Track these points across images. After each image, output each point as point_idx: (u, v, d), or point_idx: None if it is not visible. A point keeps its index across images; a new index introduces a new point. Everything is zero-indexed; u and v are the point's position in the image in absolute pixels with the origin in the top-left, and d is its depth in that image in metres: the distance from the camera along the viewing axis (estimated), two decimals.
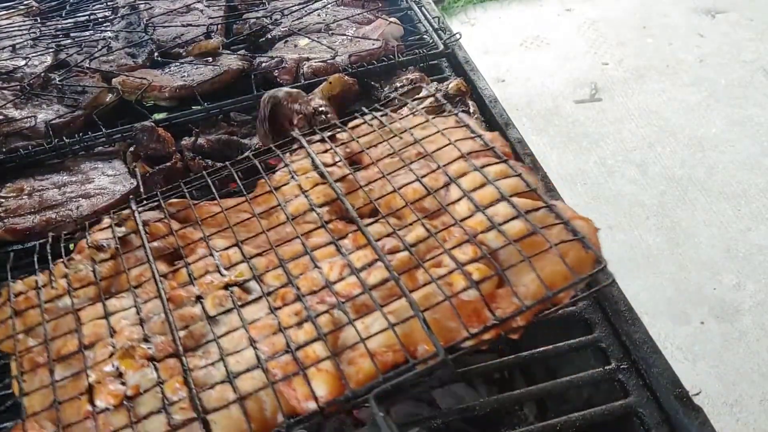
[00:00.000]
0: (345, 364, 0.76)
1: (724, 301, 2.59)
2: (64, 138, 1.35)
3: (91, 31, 1.75)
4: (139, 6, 1.83)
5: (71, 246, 1.03)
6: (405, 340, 0.75)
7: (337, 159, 1.04)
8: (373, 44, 1.53)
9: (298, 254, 0.90)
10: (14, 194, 1.24)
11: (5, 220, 1.17)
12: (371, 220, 0.93)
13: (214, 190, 1.05)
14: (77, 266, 0.97)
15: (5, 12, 1.88)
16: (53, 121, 1.39)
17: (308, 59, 1.51)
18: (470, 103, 1.32)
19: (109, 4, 1.87)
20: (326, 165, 1.03)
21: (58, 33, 1.76)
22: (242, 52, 1.63)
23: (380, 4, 1.80)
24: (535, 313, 0.76)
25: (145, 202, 1.06)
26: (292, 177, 1.02)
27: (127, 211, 1.04)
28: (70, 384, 0.83)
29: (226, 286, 0.88)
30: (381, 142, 1.05)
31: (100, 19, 1.81)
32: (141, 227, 0.99)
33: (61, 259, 0.99)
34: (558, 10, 4.51)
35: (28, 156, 1.33)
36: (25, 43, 1.70)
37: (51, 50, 1.65)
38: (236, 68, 1.54)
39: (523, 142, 1.28)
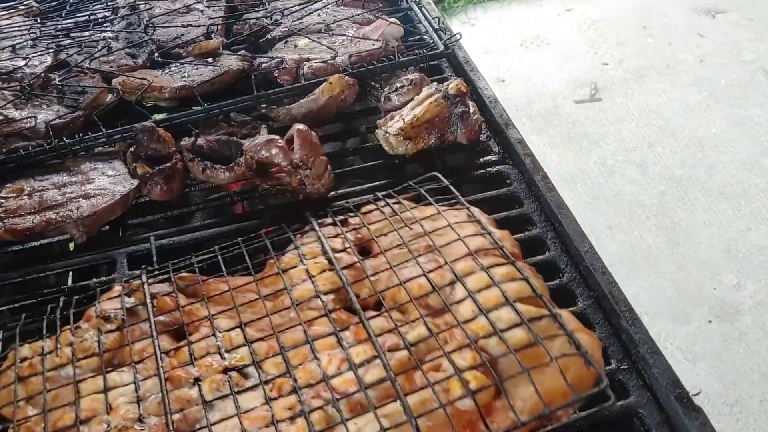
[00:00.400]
0: None
1: (724, 301, 2.59)
2: (64, 138, 1.35)
3: (91, 32, 1.75)
4: (139, 6, 1.82)
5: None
6: None
7: (347, 245, 1.04)
8: (374, 45, 1.53)
9: (299, 342, 0.89)
10: (14, 195, 1.23)
11: (5, 221, 1.17)
12: (375, 313, 0.93)
13: (223, 267, 1.05)
14: (83, 335, 0.96)
15: (5, 12, 1.88)
16: (53, 122, 1.39)
17: (308, 60, 1.50)
18: (470, 103, 1.31)
19: (109, 4, 1.87)
20: (335, 251, 1.02)
21: (58, 33, 1.76)
22: (242, 52, 1.62)
23: (380, 5, 1.80)
24: (530, 429, 0.76)
25: (156, 272, 1.06)
26: (301, 261, 1.02)
27: (137, 282, 1.03)
28: None
29: (225, 370, 0.88)
30: (391, 231, 1.04)
31: (100, 20, 1.81)
32: (149, 300, 0.98)
33: (69, 327, 0.98)
34: (558, 10, 4.51)
35: (28, 156, 1.32)
36: (25, 43, 1.70)
37: (51, 50, 1.65)
38: (236, 69, 1.54)
39: (523, 142, 1.28)
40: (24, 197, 1.22)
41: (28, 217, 1.17)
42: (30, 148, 1.34)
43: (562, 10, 4.50)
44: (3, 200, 1.22)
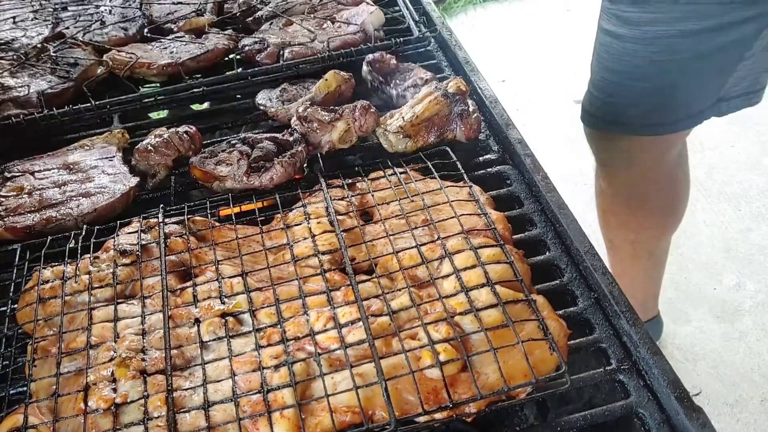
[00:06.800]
0: (308, 415, 0.81)
1: (724, 301, 2.59)
2: (54, 108, 1.39)
3: (88, 5, 1.79)
4: None
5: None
6: (365, 403, 0.80)
7: (350, 209, 1.09)
8: (354, 32, 1.56)
9: (293, 297, 0.95)
10: (14, 193, 1.23)
11: (5, 219, 1.16)
12: (366, 277, 0.98)
13: (233, 216, 1.11)
14: (101, 265, 1.03)
15: None
16: (45, 92, 1.43)
17: (290, 43, 1.54)
18: (470, 102, 1.31)
19: None
20: (339, 213, 1.08)
21: (56, 6, 1.80)
22: (230, 31, 1.66)
23: None
24: (489, 403, 0.82)
25: (172, 211, 1.13)
26: (306, 219, 1.07)
27: (154, 220, 1.10)
28: (72, 379, 0.88)
29: (223, 315, 0.93)
30: (393, 201, 1.10)
31: None
32: (162, 240, 1.05)
33: (89, 255, 1.05)
34: (558, 10, 4.51)
35: (19, 124, 1.36)
36: (26, 16, 1.75)
37: (48, 23, 1.69)
38: (222, 47, 1.58)
39: (523, 143, 1.27)
40: (24, 196, 1.22)
41: (29, 215, 1.17)
42: (22, 116, 1.38)
43: (562, 10, 4.50)
44: (3, 199, 1.22)
